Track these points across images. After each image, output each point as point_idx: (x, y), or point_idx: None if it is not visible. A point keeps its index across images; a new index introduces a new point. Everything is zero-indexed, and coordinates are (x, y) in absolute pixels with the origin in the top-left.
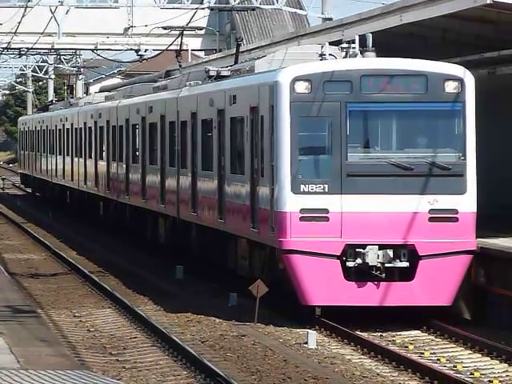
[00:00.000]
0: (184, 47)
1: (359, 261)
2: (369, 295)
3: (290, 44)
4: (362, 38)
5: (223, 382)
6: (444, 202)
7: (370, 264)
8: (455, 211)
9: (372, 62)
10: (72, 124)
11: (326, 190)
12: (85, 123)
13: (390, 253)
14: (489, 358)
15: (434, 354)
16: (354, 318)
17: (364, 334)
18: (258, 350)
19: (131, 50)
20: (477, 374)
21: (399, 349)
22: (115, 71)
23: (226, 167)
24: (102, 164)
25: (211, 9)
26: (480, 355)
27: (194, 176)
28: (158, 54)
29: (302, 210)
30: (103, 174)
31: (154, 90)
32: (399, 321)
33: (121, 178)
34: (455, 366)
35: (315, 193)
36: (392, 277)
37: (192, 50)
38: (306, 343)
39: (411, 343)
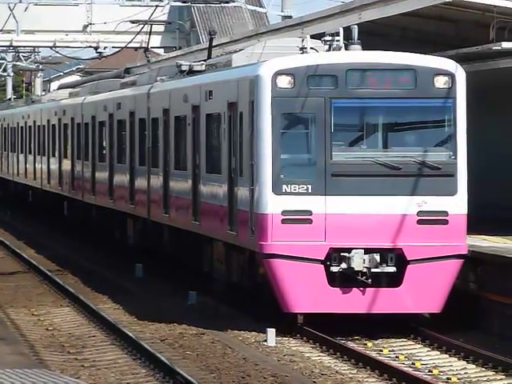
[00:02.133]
0: (143, 44)
1: (344, 265)
2: (354, 302)
3: (249, 42)
4: (347, 31)
5: (182, 380)
6: (433, 203)
7: (356, 269)
8: (445, 213)
9: (358, 56)
10: (35, 121)
11: (310, 191)
12: (48, 120)
13: (377, 257)
14: (447, 356)
15: (393, 351)
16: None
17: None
18: (217, 348)
19: (90, 47)
20: (435, 372)
21: (358, 346)
22: (74, 69)
23: (201, 166)
24: (67, 163)
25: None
26: (439, 352)
27: (166, 175)
28: (118, 52)
29: (284, 212)
30: (68, 173)
31: (122, 86)
32: (357, 319)
33: (86, 178)
34: (414, 364)
35: (298, 194)
36: (378, 282)
37: (152, 48)
38: (266, 341)
39: (369, 340)
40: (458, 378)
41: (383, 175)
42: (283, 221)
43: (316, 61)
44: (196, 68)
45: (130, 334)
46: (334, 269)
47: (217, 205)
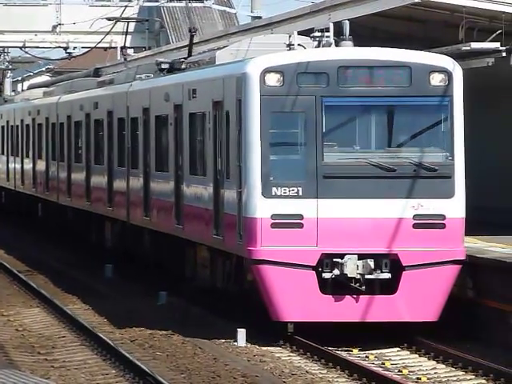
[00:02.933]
0: (113, 44)
1: (337, 272)
2: (347, 310)
3: (219, 42)
4: (338, 26)
5: (152, 381)
6: (430, 206)
7: (349, 275)
8: (442, 217)
9: (350, 52)
10: (8, 121)
11: (300, 194)
12: (22, 120)
13: (371, 263)
14: (417, 356)
15: (363, 351)
16: None
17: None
18: (187, 349)
19: (60, 47)
20: (405, 371)
21: (328, 346)
22: (43, 69)
23: (184, 168)
24: (41, 163)
25: None
26: (408, 352)
27: (147, 177)
28: (88, 52)
29: (274, 216)
30: (42, 174)
31: (99, 85)
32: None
33: (62, 179)
34: (383, 364)
35: (288, 197)
36: (372, 289)
37: (121, 48)
38: (236, 341)
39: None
40: (428, 378)
41: (377, 177)
42: (273, 225)
43: (306, 58)
44: (177, 66)
45: (100, 335)
46: (326, 275)
47: (201, 208)
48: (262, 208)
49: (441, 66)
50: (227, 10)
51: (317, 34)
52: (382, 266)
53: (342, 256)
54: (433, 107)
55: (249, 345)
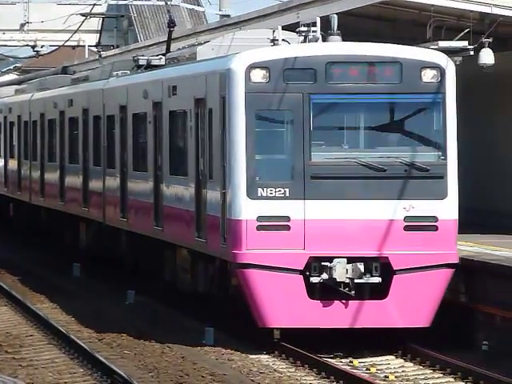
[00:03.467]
0: (81, 43)
1: (325, 276)
2: (336, 316)
3: (187, 41)
4: (325, 21)
5: (120, 380)
6: (422, 208)
7: (338, 280)
8: (434, 218)
9: (339, 47)
10: None
11: (287, 195)
12: None
13: (361, 267)
14: (385, 354)
15: (331, 350)
16: None
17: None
18: (155, 348)
19: (27, 45)
20: (373, 370)
21: (296, 344)
22: (11, 67)
23: (164, 168)
24: (13, 162)
25: None
26: (376, 351)
27: (124, 177)
28: (56, 50)
29: (260, 218)
30: (14, 174)
31: (73, 82)
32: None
33: (34, 178)
34: (351, 362)
35: (274, 198)
36: (362, 294)
37: (89, 46)
38: (204, 340)
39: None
40: (396, 376)
41: (367, 177)
42: (259, 227)
43: (293, 53)
44: (154, 62)
45: (68, 334)
46: (314, 280)
47: (182, 209)
48: (248, 210)
49: (433, 62)
50: (195, 8)
51: (303, 28)
52: (372, 270)
53: (330, 259)
54: (424, 105)
55: (217, 343)
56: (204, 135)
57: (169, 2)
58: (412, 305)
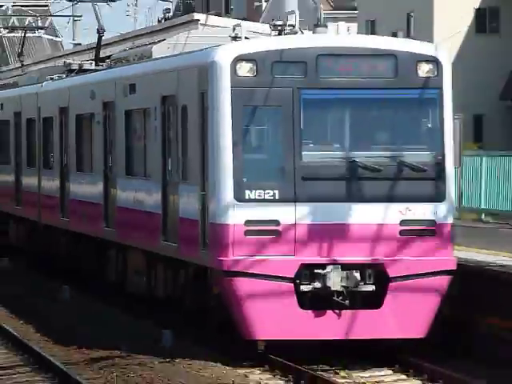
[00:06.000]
0: None
1: (318, 284)
2: (328, 327)
3: (48, 63)
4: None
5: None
6: (418, 211)
7: (333, 288)
8: (432, 222)
9: (331, 39)
10: None
11: (277, 197)
12: None
13: (357, 274)
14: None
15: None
16: None
17: None
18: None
19: None
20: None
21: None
22: None
23: (117, 168)
24: None
25: None
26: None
27: (64, 177)
28: None
29: (248, 223)
30: None
31: (1, 88)
32: None
33: None
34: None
35: (263, 200)
36: (355, 303)
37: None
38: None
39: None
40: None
41: (361, 178)
42: (246, 232)
43: (282, 45)
44: (86, 67)
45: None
46: (306, 288)
47: (142, 211)
48: (235, 213)
49: (429, 55)
50: (54, 38)
51: (279, 22)
52: (366, 278)
53: (322, 266)
54: (420, 101)
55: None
56: (174, 134)
57: (33, 34)
58: (408, 314)
